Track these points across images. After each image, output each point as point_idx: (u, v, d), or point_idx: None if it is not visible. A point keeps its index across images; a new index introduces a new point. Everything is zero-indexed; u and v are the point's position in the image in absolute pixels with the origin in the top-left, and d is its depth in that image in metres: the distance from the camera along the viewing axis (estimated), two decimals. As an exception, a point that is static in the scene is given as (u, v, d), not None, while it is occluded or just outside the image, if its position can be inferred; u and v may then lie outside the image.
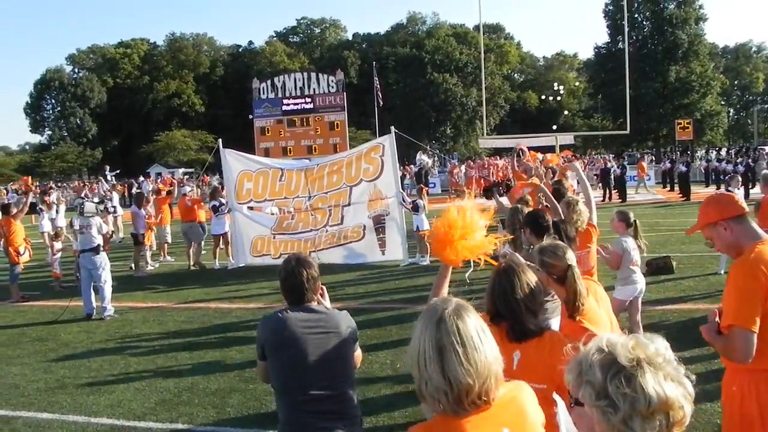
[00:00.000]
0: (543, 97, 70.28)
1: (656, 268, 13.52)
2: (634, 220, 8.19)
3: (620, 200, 32.43)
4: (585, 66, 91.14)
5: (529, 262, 4.05)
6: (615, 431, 1.84)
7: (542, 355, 3.56)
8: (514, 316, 3.58)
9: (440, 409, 2.35)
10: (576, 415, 1.99)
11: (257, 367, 4.22)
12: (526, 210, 7.44)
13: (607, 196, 33.74)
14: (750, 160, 37.32)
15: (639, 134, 66.87)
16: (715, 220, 3.96)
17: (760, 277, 3.61)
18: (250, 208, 17.03)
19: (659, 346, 1.87)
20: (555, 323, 4.74)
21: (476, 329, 2.38)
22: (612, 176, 34.51)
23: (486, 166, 41.68)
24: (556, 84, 58.25)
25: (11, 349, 10.81)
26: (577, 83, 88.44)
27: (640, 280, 8.17)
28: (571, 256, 4.28)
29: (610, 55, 70.89)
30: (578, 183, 11.46)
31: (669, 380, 1.81)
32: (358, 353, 4.19)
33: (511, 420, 2.42)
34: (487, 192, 12.44)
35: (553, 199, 7.74)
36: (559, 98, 59.77)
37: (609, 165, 37.39)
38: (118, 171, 39.06)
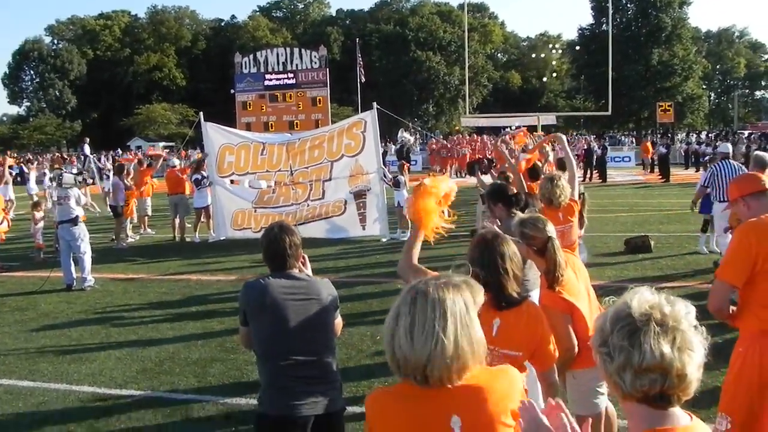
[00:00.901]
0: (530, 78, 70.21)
1: (634, 246, 13.72)
2: (583, 195, 8.35)
3: (600, 180, 32.63)
4: (568, 47, 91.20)
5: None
6: (611, 380, 1.94)
7: (520, 323, 3.63)
8: (499, 285, 3.61)
9: (401, 375, 2.33)
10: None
11: (239, 333, 4.27)
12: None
13: (588, 176, 33.90)
14: (729, 144, 37.60)
15: (620, 116, 67.11)
16: (735, 197, 4.35)
17: (752, 241, 3.95)
18: (232, 182, 17.02)
19: (678, 310, 1.90)
20: (535, 295, 4.83)
21: (460, 307, 2.30)
22: (594, 157, 34.65)
23: (461, 144, 41.76)
24: (540, 69, 58.24)
25: (-9, 318, 10.80)
26: (560, 64, 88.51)
27: (582, 251, 8.37)
28: (551, 228, 4.36)
29: (593, 36, 70.91)
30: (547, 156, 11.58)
31: (674, 344, 1.84)
32: (339, 321, 4.24)
33: (465, 407, 2.33)
34: (470, 169, 12.55)
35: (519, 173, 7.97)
36: (544, 79, 59.88)
37: (592, 146, 37.55)
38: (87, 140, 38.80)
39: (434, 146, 42.95)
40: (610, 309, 1.98)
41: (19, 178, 34.64)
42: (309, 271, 4.28)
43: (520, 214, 5.46)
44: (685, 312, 1.91)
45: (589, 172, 34.20)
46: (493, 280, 3.59)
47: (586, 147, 37.61)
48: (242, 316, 4.09)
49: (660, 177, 32.77)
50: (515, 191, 6.34)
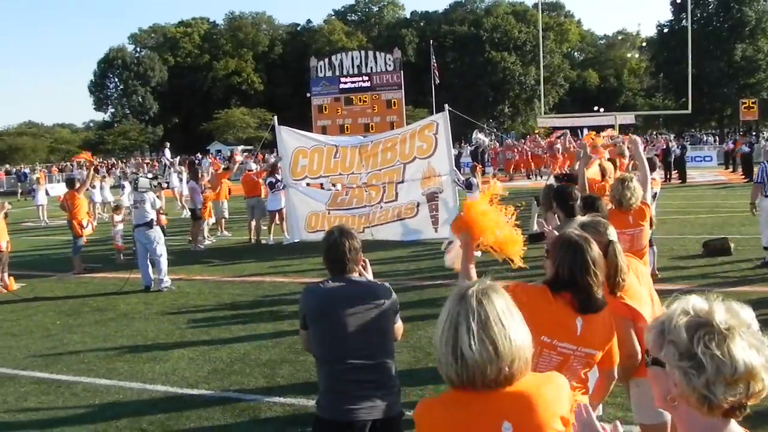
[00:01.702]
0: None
1: (713, 249, 13.29)
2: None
3: (680, 181, 31.81)
4: (647, 44, 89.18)
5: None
6: (696, 394, 1.80)
7: (600, 322, 3.56)
8: (586, 288, 3.48)
9: (450, 383, 2.34)
10: (651, 374, 1.95)
11: (300, 336, 4.30)
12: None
13: (667, 177, 33.06)
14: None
15: (702, 114, 65.39)
16: None
17: None
18: (308, 184, 17.14)
19: (747, 314, 1.83)
20: None
21: (502, 312, 2.32)
22: (673, 157, 33.77)
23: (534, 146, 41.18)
24: (618, 67, 57.12)
25: (73, 318, 11.17)
26: (638, 62, 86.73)
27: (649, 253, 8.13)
28: (612, 232, 4.25)
29: (673, 32, 69.29)
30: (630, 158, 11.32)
31: (754, 349, 1.77)
32: (399, 325, 4.22)
33: (515, 413, 2.33)
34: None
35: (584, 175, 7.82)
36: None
37: (670, 145, 36.61)
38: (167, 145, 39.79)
39: (499, 149, 42.44)
40: (671, 319, 1.87)
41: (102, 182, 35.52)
42: (370, 275, 4.27)
43: (579, 218, 5.36)
44: (752, 316, 1.85)
45: (667, 172, 33.36)
46: (583, 283, 3.48)
47: (664, 146, 36.71)
48: (302, 319, 4.12)
49: (743, 177, 31.75)
50: (575, 195, 6.19)
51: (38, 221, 27.43)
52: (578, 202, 6.04)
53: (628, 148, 12.01)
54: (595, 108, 69.26)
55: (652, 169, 10.76)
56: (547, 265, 3.69)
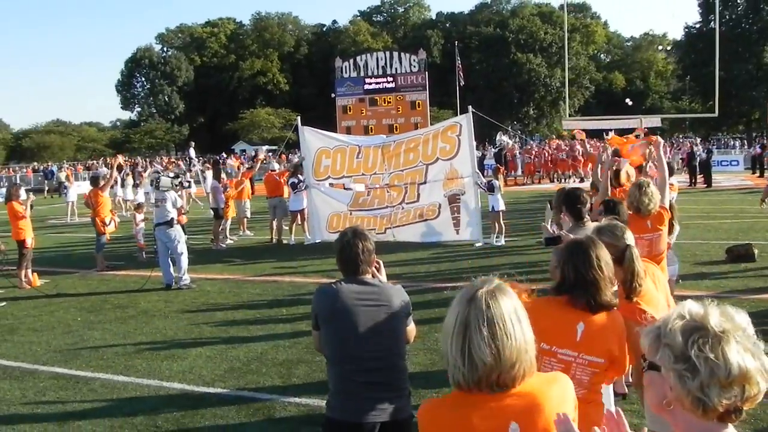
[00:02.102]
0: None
1: (737, 255, 13.11)
2: (671, 200, 7.99)
3: (705, 185, 31.49)
4: (674, 46, 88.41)
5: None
6: (690, 397, 1.80)
7: (606, 328, 3.53)
8: (593, 288, 3.48)
9: (456, 385, 2.34)
10: (647, 379, 1.96)
11: (312, 336, 4.29)
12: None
13: (693, 181, 32.73)
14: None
15: (729, 118, 64.74)
16: None
17: None
18: (331, 184, 17.17)
19: (742, 319, 1.83)
20: None
21: (510, 313, 2.32)
22: (698, 161, 33.42)
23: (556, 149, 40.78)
24: (644, 70, 56.67)
25: (94, 314, 11.26)
26: (665, 64, 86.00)
27: (673, 263, 8.03)
28: (629, 236, 4.22)
29: (700, 35, 68.69)
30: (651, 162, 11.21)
31: (749, 353, 1.78)
32: (411, 327, 4.19)
33: (522, 414, 2.34)
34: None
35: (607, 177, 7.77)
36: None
37: (695, 149, 36.24)
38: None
39: (516, 152, 42.06)
40: (667, 324, 1.87)
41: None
42: (383, 277, 4.25)
43: (589, 222, 5.33)
44: (747, 321, 1.85)
45: (692, 176, 33.03)
46: (589, 282, 3.48)
47: (689, 150, 36.36)
48: (314, 320, 4.11)
49: (769, 181, 31.39)
50: (584, 199, 6.13)
51: (65, 218, 27.64)
52: (587, 206, 6.00)
53: (649, 150, 11.90)
54: (627, 101, 68.69)
55: (671, 173, 10.66)
56: (553, 269, 3.69)
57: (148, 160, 59.01)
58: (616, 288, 4.79)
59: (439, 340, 7.38)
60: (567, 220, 6.03)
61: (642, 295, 4.10)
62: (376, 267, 4.21)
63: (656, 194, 6.68)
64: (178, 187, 13.78)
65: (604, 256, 3.57)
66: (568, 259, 3.60)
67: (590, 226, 5.71)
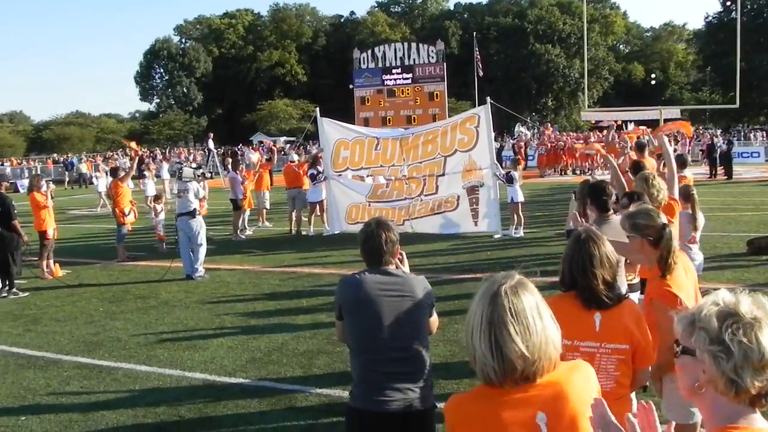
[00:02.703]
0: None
1: (758, 247, 13.02)
2: (692, 194, 7.95)
3: (726, 177, 31.24)
4: (695, 37, 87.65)
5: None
6: (724, 378, 1.85)
7: (622, 317, 3.56)
8: (589, 287, 3.54)
9: (486, 380, 2.36)
10: (680, 364, 2.02)
11: (336, 327, 4.32)
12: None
13: (712, 173, 32.45)
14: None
15: (750, 109, 64.18)
16: None
17: None
18: (353, 178, 17.17)
19: None
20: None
21: (532, 308, 2.35)
22: (718, 152, 33.13)
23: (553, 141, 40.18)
24: (664, 60, 56.15)
25: (116, 305, 11.37)
26: (685, 55, 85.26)
27: (698, 257, 7.97)
28: (664, 217, 4.26)
29: (721, 25, 68.07)
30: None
31: None
32: (434, 318, 4.21)
33: (549, 404, 2.36)
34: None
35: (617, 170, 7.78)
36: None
37: (715, 141, 35.92)
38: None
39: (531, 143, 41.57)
40: (702, 309, 1.93)
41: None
42: (407, 268, 4.27)
43: (614, 216, 5.34)
44: None
45: (713, 168, 32.75)
46: (584, 282, 3.54)
47: (709, 142, 36.04)
48: (338, 310, 4.13)
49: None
50: (609, 191, 6.12)
51: (94, 209, 27.82)
52: (612, 198, 5.98)
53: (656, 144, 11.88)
54: (652, 76, 68.10)
55: (683, 166, 10.63)
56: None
57: (167, 150, 59.25)
58: (630, 279, 4.83)
59: (459, 331, 7.42)
60: (590, 212, 6.03)
61: (674, 279, 4.10)
62: (399, 258, 4.23)
63: (663, 185, 6.66)
64: (200, 178, 13.85)
65: (598, 253, 3.58)
66: (565, 258, 3.67)
67: (615, 218, 5.72)
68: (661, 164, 10.73)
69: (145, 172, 28.40)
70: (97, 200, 28.30)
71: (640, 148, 12.45)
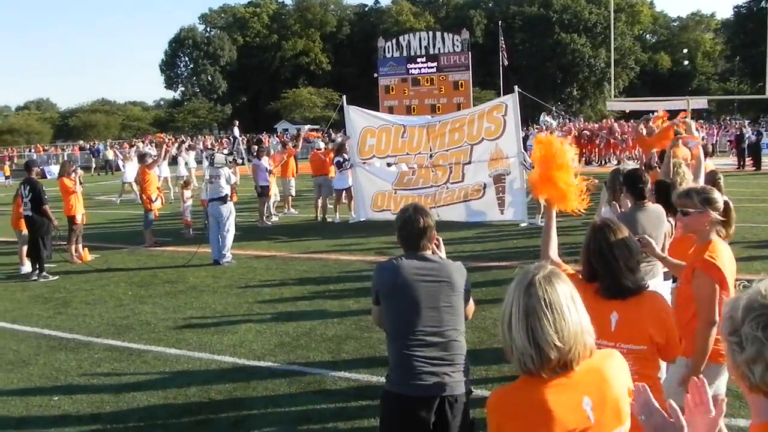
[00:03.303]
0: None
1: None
2: (718, 181, 7.84)
3: (755, 168, 30.87)
4: (723, 27, 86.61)
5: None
6: (738, 370, 1.84)
7: (641, 315, 3.53)
8: (611, 274, 3.53)
9: (525, 371, 2.41)
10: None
11: (372, 311, 4.33)
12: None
13: (741, 164, 32.04)
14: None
15: (779, 100, 63.30)
16: None
17: None
18: (388, 164, 17.16)
19: None
20: (653, 284, 4.76)
21: (566, 297, 2.41)
22: (746, 143, 32.71)
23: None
24: (691, 50, 55.48)
25: (144, 289, 11.46)
26: (713, 45, 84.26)
27: None
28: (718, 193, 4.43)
29: (750, 14, 67.34)
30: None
31: None
32: (471, 305, 4.21)
33: (592, 389, 2.43)
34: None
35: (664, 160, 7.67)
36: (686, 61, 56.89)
37: (744, 131, 35.45)
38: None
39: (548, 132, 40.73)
40: (742, 296, 1.87)
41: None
42: (443, 254, 4.27)
43: (650, 203, 5.35)
44: None
45: (741, 159, 32.34)
46: (604, 269, 3.55)
47: (737, 133, 35.57)
48: (374, 295, 4.15)
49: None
50: (645, 178, 6.08)
51: (125, 196, 26.98)
52: (648, 185, 5.95)
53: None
54: (685, 63, 67.02)
55: (705, 155, 10.51)
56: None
57: (192, 137, 59.55)
58: (652, 268, 4.85)
59: (487, 318, 7.39)
60: (626, 201, 5.99)
61: (720, 256, 4.16)
62: (435, 243, 4.23)
63: (689, 174, 6.63)
64: (231, 164, 13.90)
65: (624, 241, 3.58)
66: (585, 248, 3.67)
67: (651, 206, 5.69)
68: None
69: (178, 157, 28.40)
70: (121, 189, 28.00)
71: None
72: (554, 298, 2.37)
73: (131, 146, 46.89)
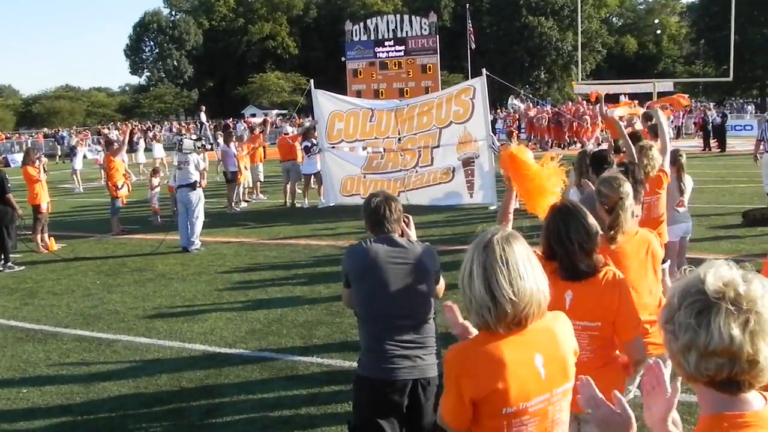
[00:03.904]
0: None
1: (753, 219, 13.07)
2: (679, 158, 7.93)
3: (719, 150, 31.17)
4: (688, 10, 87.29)
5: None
6: (674, 359, 1.80)
7: (595, 293, 3.58)
8: (567, 255, 3.60)
9: (483, 324, 2.53)
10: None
11: (342, 294, 4.33)
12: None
13: (707, 145, 32.34)
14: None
15: (743, 82, 64.15)
16: None
17: None
18: (352, 150, 17.14)
19: (754, 289, 1.71)
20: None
21: (523, 257, 2.52)
22: (711, 125, 33.03)
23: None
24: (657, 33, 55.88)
25: (112, 278, 11.35)
26: (678, 28, 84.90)
27: (686, 220, 8.00)
28: (626, 190, 4.37)
29: (715, -2, 67.76)
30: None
31: (746, 327, 1.67)
32: (441, 285, 4.25)
33: (544, 347, 2.57)
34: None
35: (629, 140, 7.72)
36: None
37: (708, 114, 35.79)
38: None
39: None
40: (681, 282, 1.81)
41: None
42: (413, 231, 4.31)
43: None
44: (762, 292, 1.71)
45: (706, 141, 32.61)
46: (561, 251, 3.61)
47: (702, 115, 35.89)
48: (345, 278, 4.16)
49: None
50: (613, 160, 6.13)
51: (74, 186, 26.82)
52: (614, 167, 5.98)
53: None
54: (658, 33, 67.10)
55: (656, 137, 10.65)
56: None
57: (156, 127, 58.88)
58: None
59: (457, 301, 7.38)
60: (591, 183, 6.03)
61: (616, 253, 4.17)
62: (405, 221, 4.26)
63: (658, 158, 6.68)
64: (200, 150, 13.79)
65: (581, 224, 3.63)
66: (545, 228, 3.74)
67: None
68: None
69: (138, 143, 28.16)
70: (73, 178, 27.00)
71: (647, 118, 12.41)
72: (511, 257, 2.48)
73: (98, 133, 46.34)
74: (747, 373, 1.70)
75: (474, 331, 2.79)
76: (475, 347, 2.57)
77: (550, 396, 2.57)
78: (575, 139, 34.69)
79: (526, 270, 2.49)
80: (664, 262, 7.00)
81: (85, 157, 30.30)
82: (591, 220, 3.68)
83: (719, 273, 1.75)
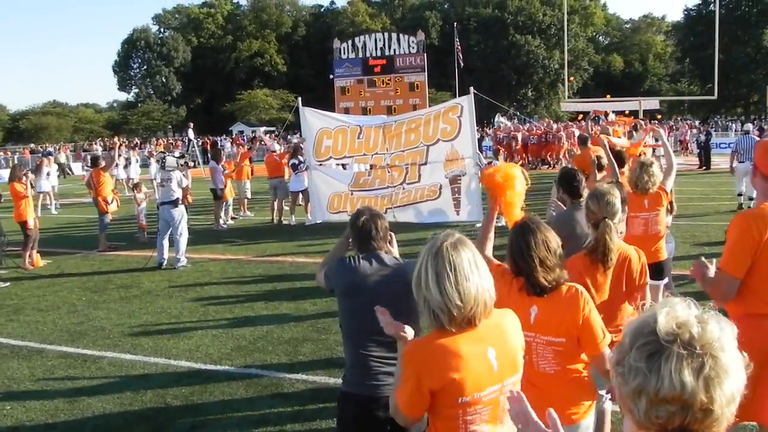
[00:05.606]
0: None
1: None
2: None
3: (704, 168, 31.38)
4: (673, 29, 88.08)
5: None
6: (624, 404, 1.67)
7: (558, 309, 3.59)
8: (529, 272, 3.62)
9: (437, 324, 2.75)
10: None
11: (316, 278, 4.45)
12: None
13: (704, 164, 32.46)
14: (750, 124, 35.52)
15: (727, 101, 64.70)
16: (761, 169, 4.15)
17: (753, 232, 3.94)
18: (343, 166, 17.16)
19: (710, 331, 1.58)
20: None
21: (468, 261, 2.75)
22: (695, 143, 33.25)
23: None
24: (643, 52, 56.32)
25: (98, 294, 11.32)
26: (664, 47, 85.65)
27: (670, 241, 8.09)
28: (613, 210, 4.48)
29: (700, 17, 68.69)
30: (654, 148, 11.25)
31: (701, 373, 1.54)
32: None
33: (495, 341, 2.81)
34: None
35: (612, 159, 7.85)
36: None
37: (690, 132, 36.03)
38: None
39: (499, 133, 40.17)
40: (635, 321, 1.69)
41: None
42: (395, 250, 4.32)
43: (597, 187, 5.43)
44: (718, 334, 1.59)
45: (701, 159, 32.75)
46: (523, 267, 3.64)
47: (686, 134, 36.11)
48: (328, 287, 4.25)
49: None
50: (581, 179, 6.15)
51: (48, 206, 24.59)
52: (583, 183, 6.02)
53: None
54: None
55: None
56: None
57: (142, 144, 58.78)
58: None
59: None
60: (561, 202, 6.07)
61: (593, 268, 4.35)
62: (388, 241, 4.29)
63: (658, 175, 6.75)
64: (183, 167, 13.81)
65: (542, 241, 3.65)
66: (509, 245, 3.78)
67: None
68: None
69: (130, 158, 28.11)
70: (50, 200, 24.86)
71: (582, 141, 12.75)
72: (458, 262, 2.72)
73: (85, 150, 46.17)
74: (700, 422, 1.58)
75: (409, 331, 3.13)
76: (433, 343, 2.77)
77: (501, 386, 2.79)
78: (558, 158, 34.66)
79: (471, 272, 2.72)
80: (661, 279, 7.08)
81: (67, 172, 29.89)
82: (552, 235, 3.72)
83: (673, 313, 1.62)
